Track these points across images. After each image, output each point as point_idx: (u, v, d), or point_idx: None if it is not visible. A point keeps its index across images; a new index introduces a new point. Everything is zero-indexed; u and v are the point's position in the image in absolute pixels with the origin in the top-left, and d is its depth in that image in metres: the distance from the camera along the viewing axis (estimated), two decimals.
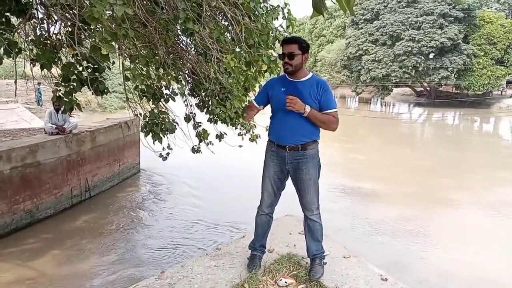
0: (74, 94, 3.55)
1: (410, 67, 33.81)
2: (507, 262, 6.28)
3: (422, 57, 33.61)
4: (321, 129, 2.84)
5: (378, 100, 40.98)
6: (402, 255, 6.39)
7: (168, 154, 5.50)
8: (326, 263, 2.96)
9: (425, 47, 32.50)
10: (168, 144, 5.32)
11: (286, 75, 2.88)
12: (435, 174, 12.04)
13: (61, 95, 3.49)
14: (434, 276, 5.71)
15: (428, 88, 39.03)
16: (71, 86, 3.47)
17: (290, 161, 2.81)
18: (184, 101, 5.53)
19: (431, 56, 34.06)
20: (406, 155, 15.49)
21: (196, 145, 5.86)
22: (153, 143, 4.59)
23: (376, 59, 35.34)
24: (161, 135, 4.54)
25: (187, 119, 5.57)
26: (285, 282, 2.78)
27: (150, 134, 4.49)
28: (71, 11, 3.38)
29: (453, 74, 33.24)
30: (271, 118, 2.91)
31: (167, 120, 4.53)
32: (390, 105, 40.37)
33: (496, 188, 10.70)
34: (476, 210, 8.77)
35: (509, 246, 6.89)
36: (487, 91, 35.26)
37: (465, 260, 6.27)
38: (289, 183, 2.96)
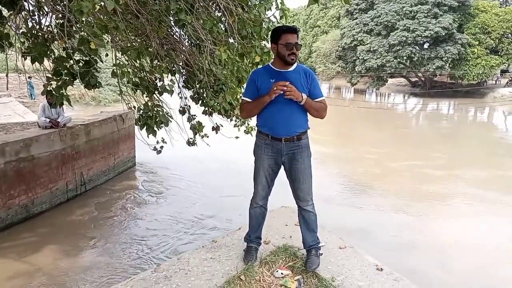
0: (65, 88, 3.51)
1: (405, 57, 33.77)
2: (504, 250, 6.35)
3: (417, 47, 33.55)
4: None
5: (373, 91, 41.00)
6: (397, 245, 6.44)
7: (162, 147, 5.49)
8: (322, 254, 2.97)
9: (420, 37, 32.44)
10: (162, 137, 5.31)
11: (271, 65, 2.85)
12: (431, 165, 12.10)
13: (52, 90, 3.45)
14: (431, 265, 5.76)
15: (423, 78, 39.08)
16: (63, 80, 3.44)
17: (286, 152, 2.80)
18: (178, 94, 5.51)
19: (425, 46, 34.02)
20: (401, 146, 15.54)
21: (191, 138, 5.85)
22: (147, 136, 4.57)
23: (371, 49, 35.23)
24: (155, 128, 4.52)
25: (182, 111, 5.56)
26: (282, 273, 2.79)
27: (144, 128, 4.47)
28: (61, 3, 3.34)
29: (447, 64, 33.25)
30: (261, 110, 2.83)
31: (161, 113, 4.51)
32: (385, 95, 40.42)
33: (492, 180, 10.79)
34: (473, 200, 8.84)
35: (508, 234, 6.98)
36: (482, 81, 35.32)
37: (462, 249, 6.33)
38: (281, 174, 2.95)
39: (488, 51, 33.01)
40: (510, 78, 36.32)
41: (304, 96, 2.69)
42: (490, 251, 6.29)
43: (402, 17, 33.70)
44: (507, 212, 8.12)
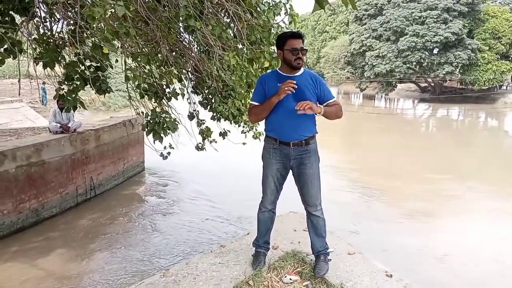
0: (77, 93, 3.55)
1: (414, 63, 33.64)
2: None
3: (426, 52, 33.40)
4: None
5: (382, 96, 40.81)
6: (408, 251, 6.36)
7: (169, 153, 5.50)
8: (330, 259, 2.95)
9: (429, 42, 32.31)
10: (170, 143, 5.33)
11: (278, 70, 2.87)
12: (441, 171, 11.98)
13: (64, 94, 3.49)
14: (440, 273, 5.68)
15: (432, 84, 38.80)
16: (75, 85, 3.48)
17: (294, 157, 2.80)
18: (187, 99, 5.54)
19: (435, 51, 33.86)
20: (412, 153, 15.42)
21: (200, 143, 5.87)
22: (153, 142, 4.59)
23: (380, 55, 35.15)
24: (162, 135, 4.53)
25: (191, 117, 5.58)
26: (290, 279, 2.77)
27: (151, 133, 4.48)
28: (73, 10, 3.39)
29: (457, 69, 33.07)
30: (269, 114, 2.83)
31: (168, 120, 4.53)
32: (394, 101, 40.20)
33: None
34: (483, 206, 8.73)
35: None
36: (492, 86, 35.01)
37: (473, 258, 6.23)
38: (289, 180, 2.95)
39: (499, 57, 32.74)
40: None
41: (322, 107, 2.71)
42: (504, 261, 6.18)
43: (411, 23, 33.60)
44: None
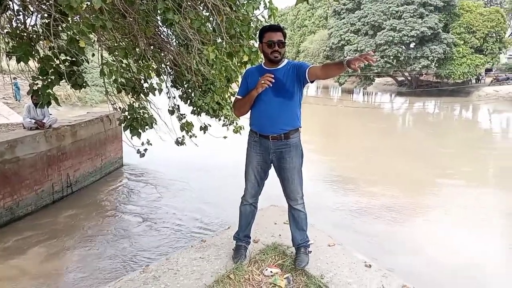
0: (52, 88, 3.46)
1: (392, 57, 34.09)
2: (492, 247, 6.46)
3: (403, 46, 33.94)
4: (301, 118, 2.86)
5: (361, 90, 41.31)
6: (385, 241, 6.50)
7: (145, 150, 5.41)
8: (311, 251, 2.98)
9: (406, 37, 32.79)
10: (148, 139, 5.26)
11: (262, 64, 2.88)
12: (416, 162, 12.24)
13: (39, 89, 3.40)
14: (419, 262, 5.82)
15: (409, 78, 39.50)
16: (49, 80, 3.39)
17: (274, 150, 2.81)
18: (167, 93, 5.48)
19: (412, 45, 34.42)
20: (386, 144, 15.68)
21: (180, 137, 5.82)
22: (131, 138, 4.52)
23: (358, 49, 35.45)
24: (140, 130, 4.47)
25: (171, 112, 5.52)
26: (271, 271, 2.79)
27: (129, 129, 4.41)
28: (47, 2, 3.29)
29: (433, 63, 33.70)
30: (252, 108, 2.87)
31: (146, 115, 4.47)
32: (372, 95, 40.75)
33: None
34: (457, 195, 8.98)
35: (495, 230, 7.11)
36: (467, 80, 35.86)
37: (449, 245, 6.41)
38: (272, 173, 2.96)
39: (473, 50, 33.53)
40: (495, 77, 36.88)
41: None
42: (475, 248, 6.38)
43: (389, 17, 34.03)
44: (494, 210, 8.26)
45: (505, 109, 28.00)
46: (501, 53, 36.51)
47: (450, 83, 35.77)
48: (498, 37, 33.91)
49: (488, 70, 40.38)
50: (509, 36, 41.20)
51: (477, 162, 12.85)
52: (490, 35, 33.38)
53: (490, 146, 16.15)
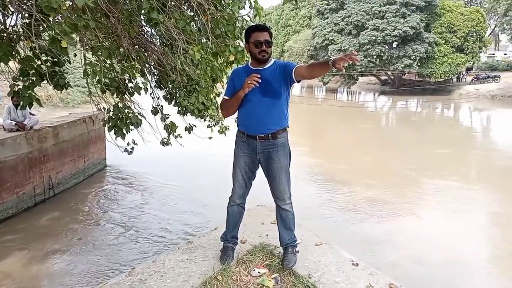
0: (33, 89, 3.39)
1: (375, 56, 34.41)
2: (477, 243, 6.58)
3: (386, 46, 34.30)
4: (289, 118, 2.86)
5: (345, 90, 41.62)
6: (372, 239, 6.56)
7: (132, 148, 5.38)
8: (298, 251, 2.99)
9: (389, 36, 33.14)
10: (133, 139, 5.21)
11: (249, 64, 2.87)
12: (400, 160, 12.40)
13: (20, 90, 3.33)
14: (405, 259, 5.89)
15: (392, 77, 39.95)
16: (30, 81, 3.32)
17: (261, 150, 2.80)
18: (151, 94, 5.42)
19: (394, 45, 34.83)
20: (371, 142, 15.84)
21: (165, 138, 5.77)
22: (115, 138, 4.47)
23: (342, 48, 35.68)
24: (124, 131, 4.41)
25: (155, 112, 5.47)
26: (259, 272, 2.79)
27: (113, 130, 4.36)
28: (28, 2, 3.22)
29: (415, 62, 34.11)
30: (239, 108, 2.86)
31: (131, 115, 4.41)
32: (356, 94, 41.12)
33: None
34: (441, 191, 9.12)
35: (478, 226, 7.25)
36: (448, 78, 36.47)
37: (435, 242, 6.51)
38: (260, 173, 2.96)
39: (454, 50, 34.09)
40: (475, 76, 37.58)
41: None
42: (460, 245, 6.50)
43: (372, 17, 34.35)
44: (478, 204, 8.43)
45: (485, 107, 28.57)
46: (481, 52, 37.18)
47: (432, 82, 36.33)
48: (479, 36, 34.56)
49: (468, 69, 41.07)
50: (489, 36, 42.08)
51: (460, 159, 13.09)
52: (470, 34, 33.99)
53: (472, 143, 16.47)
